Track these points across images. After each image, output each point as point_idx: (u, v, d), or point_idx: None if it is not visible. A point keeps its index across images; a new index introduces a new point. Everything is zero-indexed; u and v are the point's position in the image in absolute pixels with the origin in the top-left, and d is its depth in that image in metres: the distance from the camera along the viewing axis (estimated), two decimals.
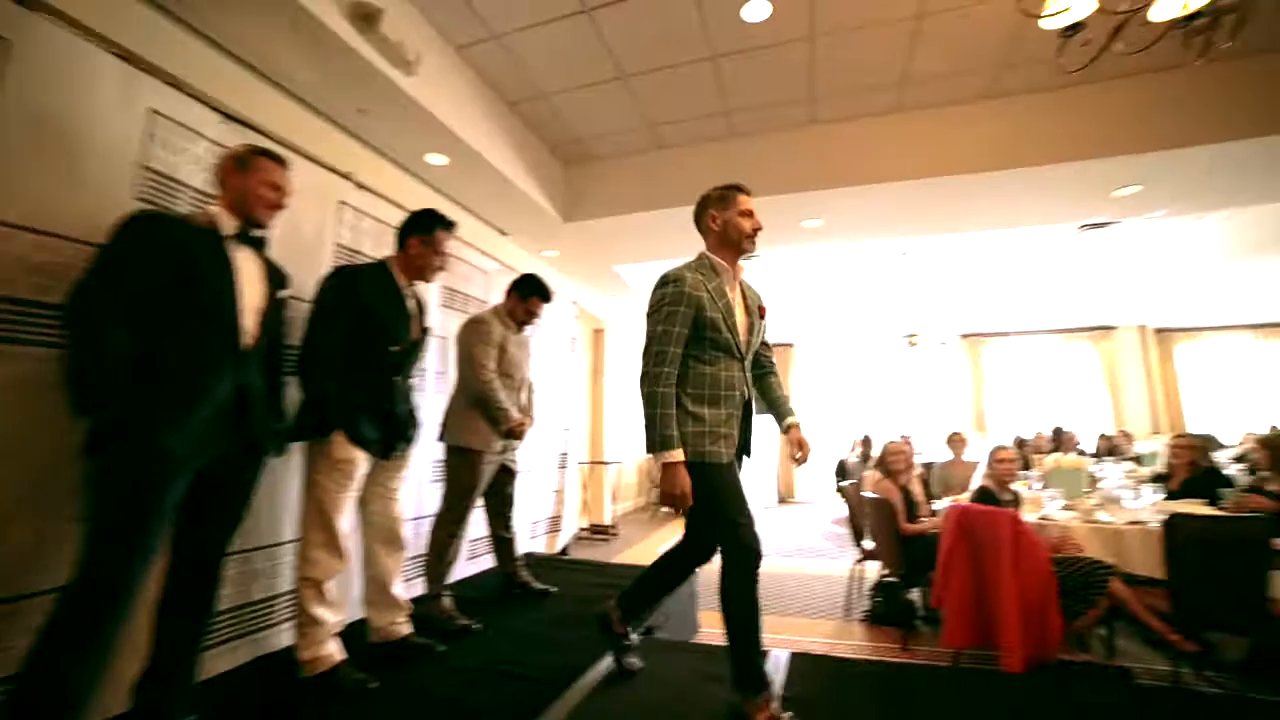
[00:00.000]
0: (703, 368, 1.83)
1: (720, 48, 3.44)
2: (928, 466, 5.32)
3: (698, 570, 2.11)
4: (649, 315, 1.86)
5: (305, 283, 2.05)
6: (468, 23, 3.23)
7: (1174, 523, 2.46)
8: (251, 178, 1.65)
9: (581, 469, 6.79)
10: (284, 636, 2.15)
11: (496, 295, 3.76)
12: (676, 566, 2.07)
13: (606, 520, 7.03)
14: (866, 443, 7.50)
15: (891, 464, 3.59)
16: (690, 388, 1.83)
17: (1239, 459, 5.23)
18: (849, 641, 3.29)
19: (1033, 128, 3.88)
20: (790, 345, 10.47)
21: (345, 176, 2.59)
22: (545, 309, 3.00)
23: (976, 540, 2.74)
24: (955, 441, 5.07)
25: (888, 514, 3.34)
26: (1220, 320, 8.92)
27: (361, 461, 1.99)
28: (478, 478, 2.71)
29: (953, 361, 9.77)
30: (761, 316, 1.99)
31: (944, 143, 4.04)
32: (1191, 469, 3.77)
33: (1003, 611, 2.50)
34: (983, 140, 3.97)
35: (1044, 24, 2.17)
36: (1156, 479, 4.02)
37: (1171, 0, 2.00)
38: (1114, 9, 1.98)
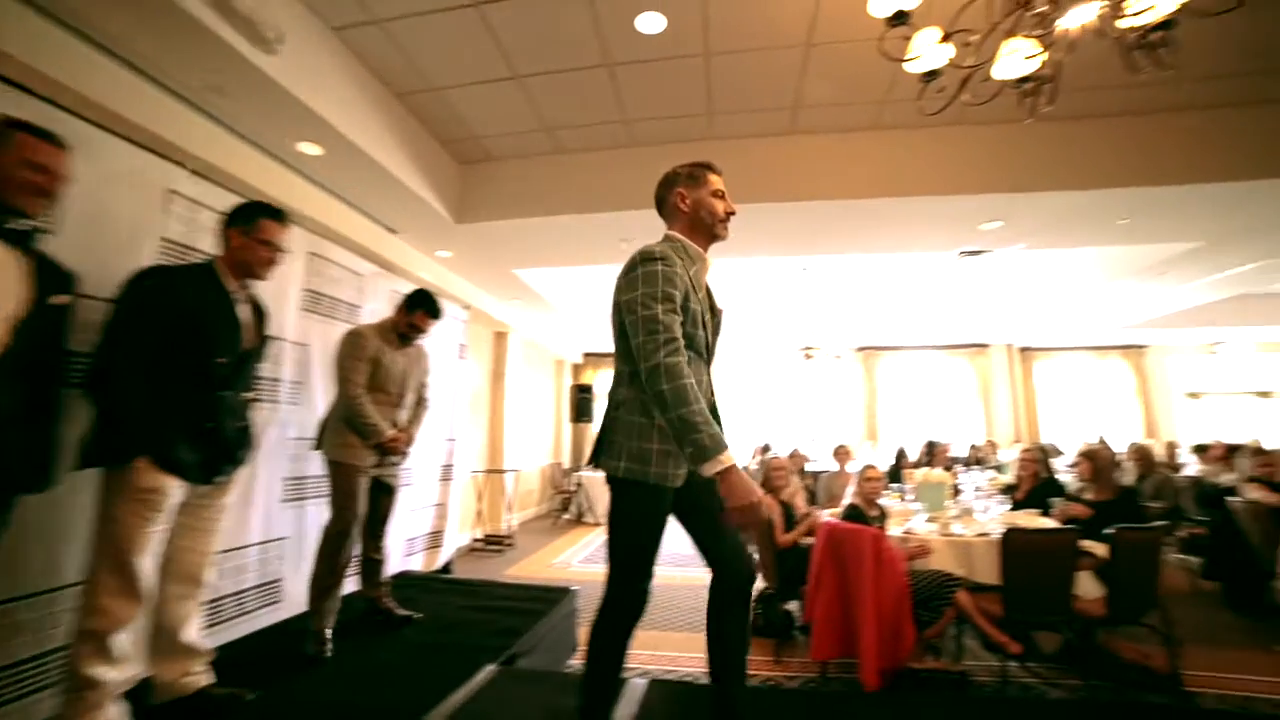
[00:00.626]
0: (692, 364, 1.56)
1: (615, 56, 3.39)
2: (816, 477, 5.55)
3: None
4: (634, 298, 1.51)
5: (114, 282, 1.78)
6: (342, 1, 2.98)
7: (1008, 536, 2.67)
8: (6, 156, 1.39)
9: (476, 478, 6.54)
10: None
11: (374, 300, 3.53)
12: (609, 631, 1.61)
13: (504, 530, 6.82)
14: (765, 450, 7.75)
15: (774, 479, 3.69)
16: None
17: (1073, 467, 5.86)
18: None
19: (912, 161, 4.13)
20: None
21: (177, 163, 2.29)
22: (434, 325, 2.87)
23: (842, 557, 2.85)
24: (840, 454, 5.32)
25: (765, 528, 3.42)
26: (1069, 341, 10.01)
27: (173, 490, 1.75)
28: (354, 491, 2.59)
29: (848, 374, 10.33)
30: (719, 315, 1.77)
31: (835, 167, 4.22)
32: (1035, 479, 4.14)
33: (863, 625, 2.61)
34: (869, 168, 4.17)
35: (907, 68, 2.27)
36: (1007, 489, 4.40)
37: (1008, 62, 2.17)
38: (961, 64, 2.10)
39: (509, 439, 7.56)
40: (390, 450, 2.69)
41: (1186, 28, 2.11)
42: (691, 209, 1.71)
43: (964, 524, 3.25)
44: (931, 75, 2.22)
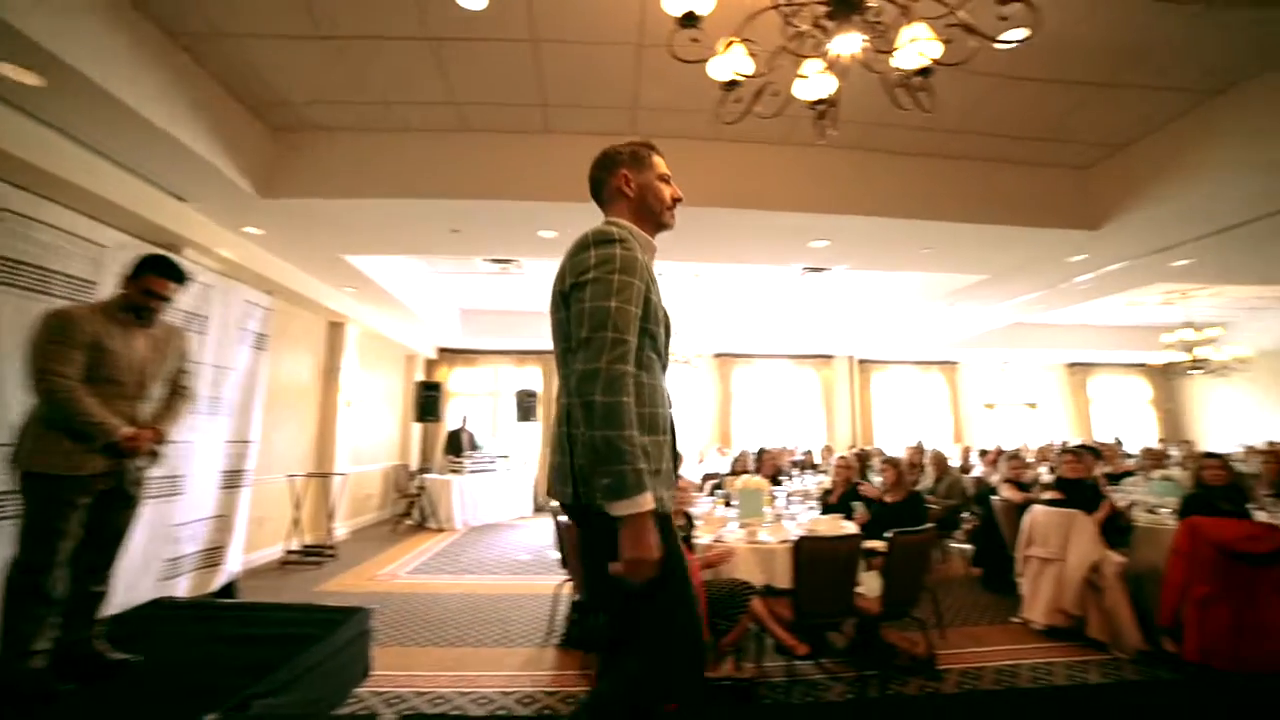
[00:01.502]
0: (643, 376, 1.34)
1: (436, 29, 3.12)
2: None
3: None
4: (586, 284, 1.29)
5: None
6: None
7: (800, 543, 2.79)
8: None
9: (294, 483, 5.85)
10: None
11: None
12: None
13: (328, 539, 6.17)
14: None
15: (681, 500, 3.59)
16: (635, 405, 1.30)
17: (880, 472, 6.51)
18: (533, 673, 3.18)
19: (747, 174, 4.26)
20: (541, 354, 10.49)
21: None
22: (176, 291, 2.39)
23: None
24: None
25: (572, 535, 3.32)
26: (900, 355, 11.16)
27: None
28: (57, 511, 2.10)
29: (702, 380, 10.69)
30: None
31: (676, 174, 4.25)
32: (846, 485, 4.45)
33: None
34: (708, 178, 4.23)
35: (708, 72, 2.27)
36: (823, 495, 4.69)
37: (804, 83, 2.25)
38: (755, 76, 2.13)
39: (341, 439, 6.88)
40: (128, 451, 2.22)
41: (977, 90, 2.30)
42: (637, 194, 1.52)
43: (772, 531, 3.38)
44: (731, 85, 2.24)
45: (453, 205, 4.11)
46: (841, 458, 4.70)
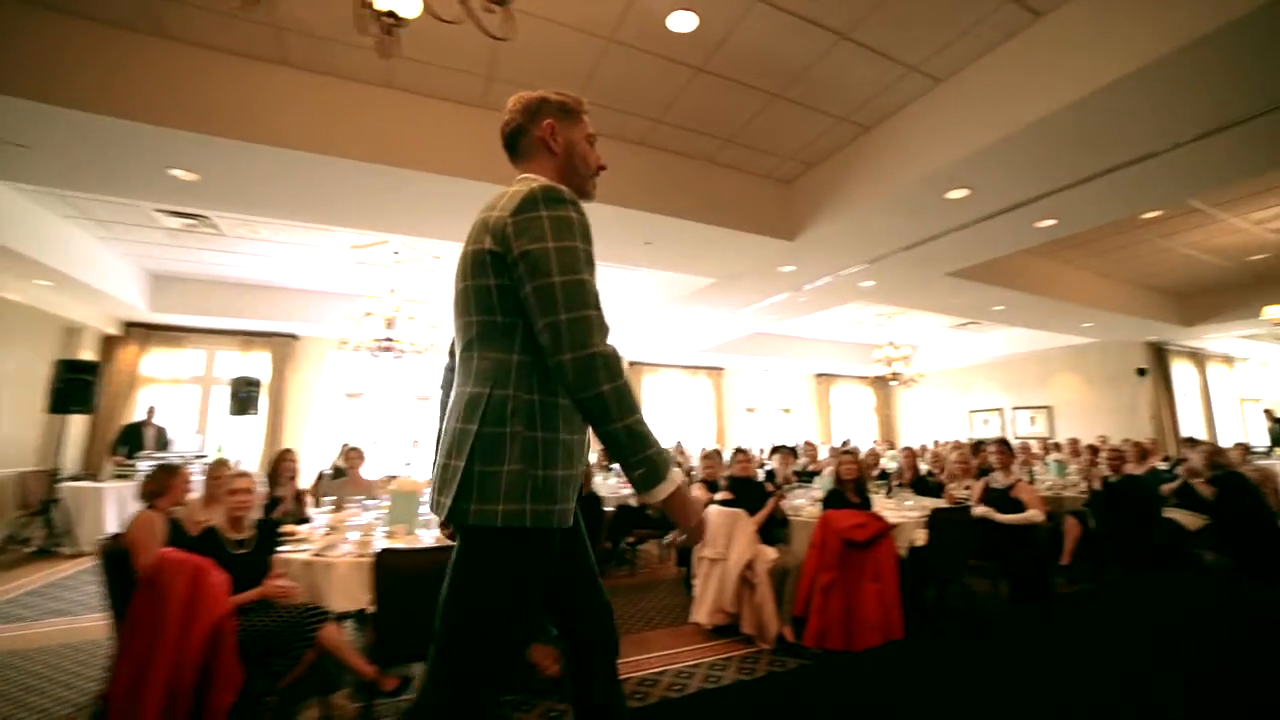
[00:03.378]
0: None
1: None
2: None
3: None
4: (544, 253, 1.09)
5: None
6: None
7: (379, 557, 2.31)
8: None
9: None
10: None
11: None
12: None
13: None
14: None
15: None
16: (561, 395, 1.16)
17: None
18: None
19: (442, 136, 3.76)
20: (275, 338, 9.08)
21: None
22: None
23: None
24: (351, 456, 4.58)
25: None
26: (670, 359, 11.59)
27: None
28: None
29: None
30: None
31: (425, 134, 3.68)
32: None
33: (147, 699, 1.90)
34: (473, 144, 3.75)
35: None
36: None
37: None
38: None
39: None
40: None
41: (673, 81, 1.96)
42: (563, 151, 1.34)
43: (403, 539, 2.88)
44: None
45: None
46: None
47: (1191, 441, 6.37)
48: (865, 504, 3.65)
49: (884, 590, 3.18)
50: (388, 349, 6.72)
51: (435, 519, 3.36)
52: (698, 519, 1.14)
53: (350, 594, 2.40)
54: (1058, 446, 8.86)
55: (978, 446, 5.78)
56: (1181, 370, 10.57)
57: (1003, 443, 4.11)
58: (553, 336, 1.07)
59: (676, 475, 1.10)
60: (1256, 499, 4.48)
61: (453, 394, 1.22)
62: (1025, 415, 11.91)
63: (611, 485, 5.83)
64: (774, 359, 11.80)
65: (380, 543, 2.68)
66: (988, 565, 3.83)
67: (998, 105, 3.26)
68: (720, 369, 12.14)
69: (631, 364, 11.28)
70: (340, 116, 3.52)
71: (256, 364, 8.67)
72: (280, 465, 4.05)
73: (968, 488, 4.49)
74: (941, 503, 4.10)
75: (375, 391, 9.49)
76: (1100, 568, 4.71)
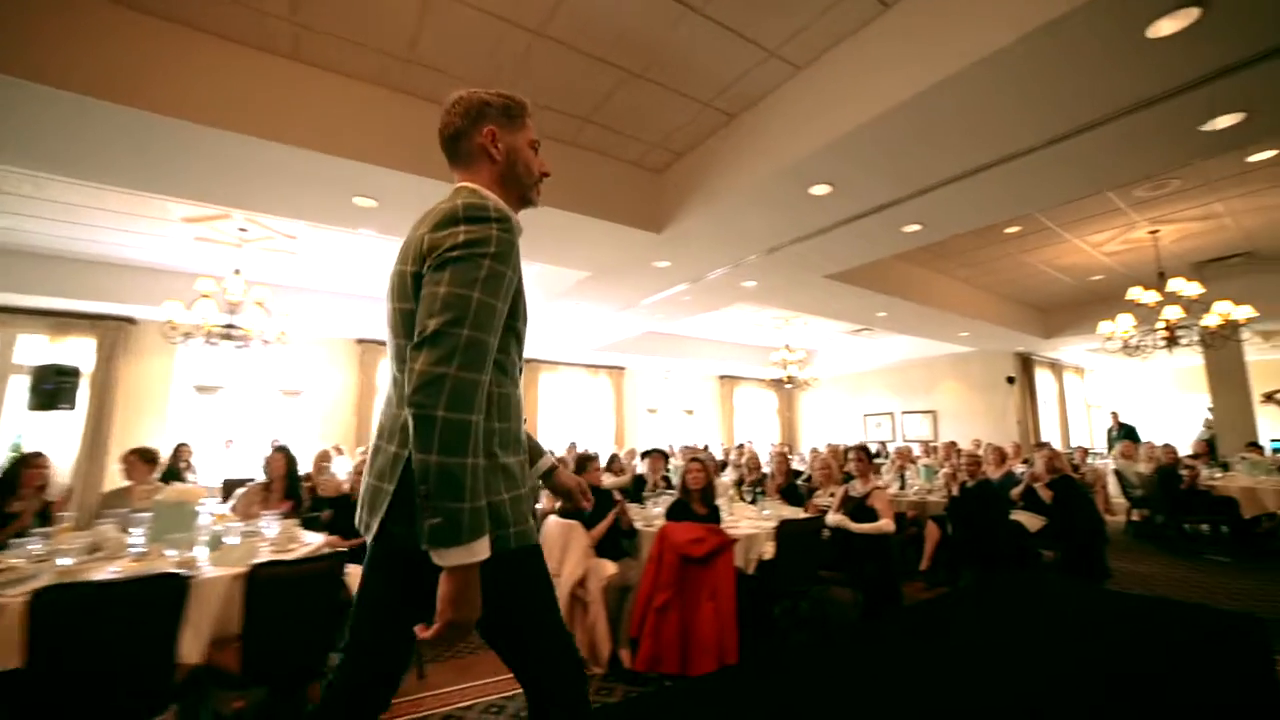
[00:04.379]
0: (505, 384, 1.14)
1: None
2: None
3: None
4: (447, 265, 1.03)
5: None
6: None
7: (253, 574, 1.83)
8: None
9: None
10: None
11: None
12: None
13: None
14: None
15: None
16: (497, 419, 1.11)
17: None
18: None
19: (251, 91, 3.18)
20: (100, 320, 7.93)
21: None
22: None
23: None
24: (130, 460, 3.77)
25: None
26: (570, 358, 11.19)
27: None
28: None
29: (335, 371, 9.22)
30: None
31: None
32: None
33: None
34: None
35: None
36: None
37: None
38: None
39: None
40: None
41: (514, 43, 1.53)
42: (505, 158, 1.25)
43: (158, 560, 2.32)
44: None
45: None
46: None
47: (1041, 446, 6.73)
48: (713, 515, 3.42)
49: (720, 610, 2.94)
50: (228, 337, 5.89)
51: (223, 540, 2.86)
52: (466, 615, 0.96)
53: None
54: (935, 451, 9.24)
55: (866, 450, 5.76)
56: (1043, 378, 11.39)
57: (861, 449, 4.03)
58: (418, 342, 1.00)
59: (480, 550, 0.96)
60: (1083, 503, 4.68)
61: (384, 414, 1.17)
62: (913, 419, 12.47)
63: None
64: (676, 360, 11.67)
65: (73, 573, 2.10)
66: (842, 576, 3.71)
67: (849, 97, 3.11)
68: (621, 369, 11.87)
69: (528, 361, 10.75)
70: (179, 71, 2.94)
71: (75, 351, 7.45)
72: (24, 473, 3.30)
73: (832, 494, 4.40)
74: (799, 512, 3.96)
75: (235, 386, 8.46)
76: (956, 571, 4.77)
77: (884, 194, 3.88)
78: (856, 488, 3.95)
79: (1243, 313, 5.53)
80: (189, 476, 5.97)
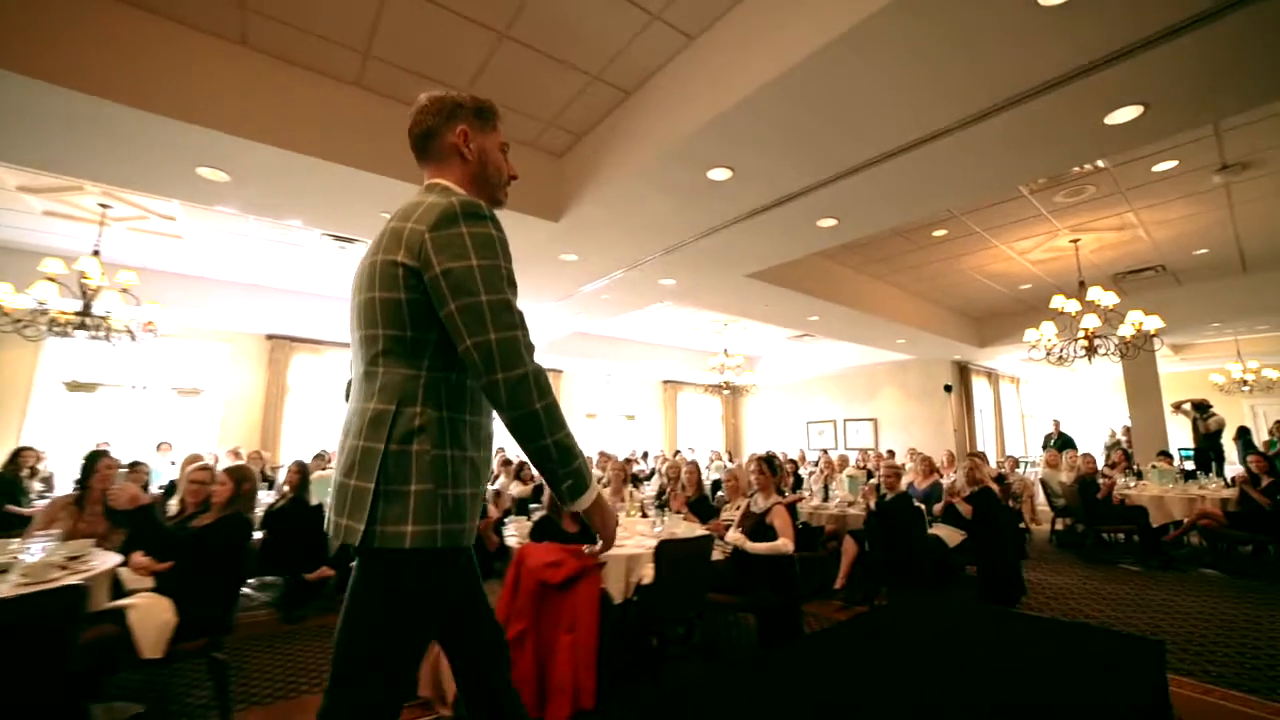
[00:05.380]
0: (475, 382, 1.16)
1: None
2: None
3: None
4: (469, 271, 1.06)
5: None
6: None
7: None
8: None
9: None
10: None
11: None
12: None
13: None
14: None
15: None
16: (469, 412, 1.16)
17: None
18: None
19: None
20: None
21: None
22: None
23: None
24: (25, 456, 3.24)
25: None
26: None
27: None
28: None
29: (247, 368, 8.51)
30: None
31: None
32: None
33: None
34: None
35: None
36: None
37: None
38: None
39: None
40: None
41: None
42: (476, 158, 1.28)
43: None
44: None
45: None
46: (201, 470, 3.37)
47: (974, 456, 6.63)
48: (586, 534, 3.04)
49: (578, 644, 2.56)
50: (83, 326, 5.21)
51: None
52: (615, 526, 1.20)
53: None
54: (868, 459, 9.12)
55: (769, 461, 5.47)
56: (980, 387, 11.51)
57: (763, 460, 3.71)
58: (483, 356, 1.05)
59: (596, 485, 1.14)
60: (1002, 517, 4.51)
61: (351, 409, 1.16)
62: (856, 427, 12.42)
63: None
64: (618, 363, 11.31)
65: None
66: (740, 600, 3.38)
67: (734, 69, 2.80)
68: (559, 371, 11.43)
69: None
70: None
71: None
72: None
73: (739, 508, 4.08)
74: (696, 530, 3.62)
75: (118, 383, 7.66)
76: (874, 590, 4.53)
77: (788, 181, 3.60)
78: (758, 502, 3.63)
79: (1153, 323, 5.52)
80: (34, 486, 5.24)
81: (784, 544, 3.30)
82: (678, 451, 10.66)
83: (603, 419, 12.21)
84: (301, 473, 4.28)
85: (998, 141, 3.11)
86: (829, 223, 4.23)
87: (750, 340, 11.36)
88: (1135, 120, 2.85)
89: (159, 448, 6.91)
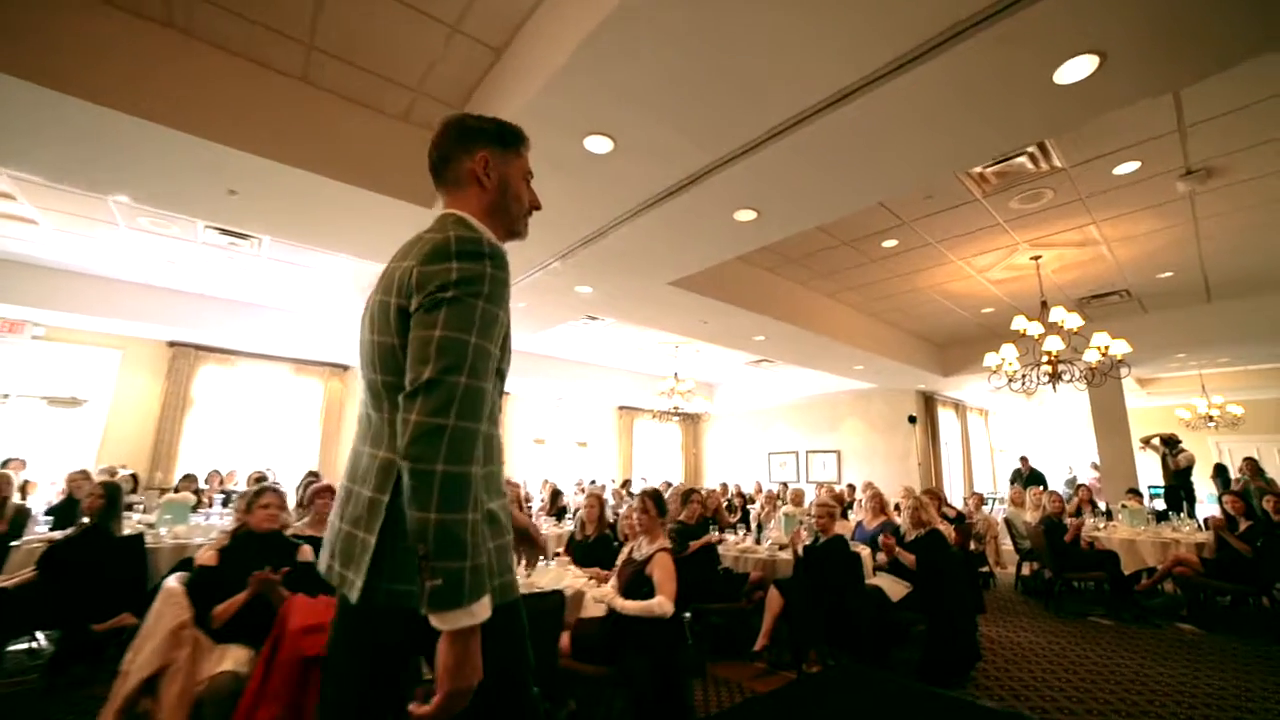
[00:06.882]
0: (491, 429, 1.03)
1: None
2: None
3: None
4: (442, 306, 0.94)
5: None
6: None
7: None
8: None
9: None
10: None
11: None
12: None
13: None
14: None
15: None
16: (482, 463, 0.98)
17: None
18: None
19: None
20: None
21: None
22: None
23: None
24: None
25: None
26: None
27: None
28: None
29: (141, 377, 7.68)
30: None
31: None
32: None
33: None
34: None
35: None
36: None
37: None
38: None
39: None
40: None
41: None
42: (496, 187, 1.15)
43: None
44: None
45: None
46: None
47: (920, 494, 6.01)
48: None
49: None
50: None
51: None
52: (468, 682, 0.86)
53: None
54: (820, 490, 8.46)
55: (687, 495, 4.80)
56: (947, 419, 10.99)
57: (650, 496, 3.01)
58: (412, 391, 0.91)
59: (481, 611, 0.87)
60: (952, 569, 3.85)
61: (360, 451, 1.06)
62: (818, 459, 11.81)
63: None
64: (569, 385, 10.63)
65: None
66: (610, 671, 2.67)
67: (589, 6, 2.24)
68: (505, 393, 10.68)
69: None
70: None
71: None
72: None
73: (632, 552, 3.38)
74: (567, 580, 2.92)
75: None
76: (802, 653, 3.79)
77: (685, 156, 3.01)
78: (642, 547, 2.94)
79: (1120, 347, 5.03)
80: None
81: (659, 604, 2.59)
82: (594, 480, 9.91)
83: (552, 445, 11.44)
84: (108, 496, 3.48)
85: (923, 110, 2.56)
86: (748, 215, 3.65)
87: (706, 365, 10.77)
88: (1090, 79, 2.32)
89: (6, 464, 5.98)
